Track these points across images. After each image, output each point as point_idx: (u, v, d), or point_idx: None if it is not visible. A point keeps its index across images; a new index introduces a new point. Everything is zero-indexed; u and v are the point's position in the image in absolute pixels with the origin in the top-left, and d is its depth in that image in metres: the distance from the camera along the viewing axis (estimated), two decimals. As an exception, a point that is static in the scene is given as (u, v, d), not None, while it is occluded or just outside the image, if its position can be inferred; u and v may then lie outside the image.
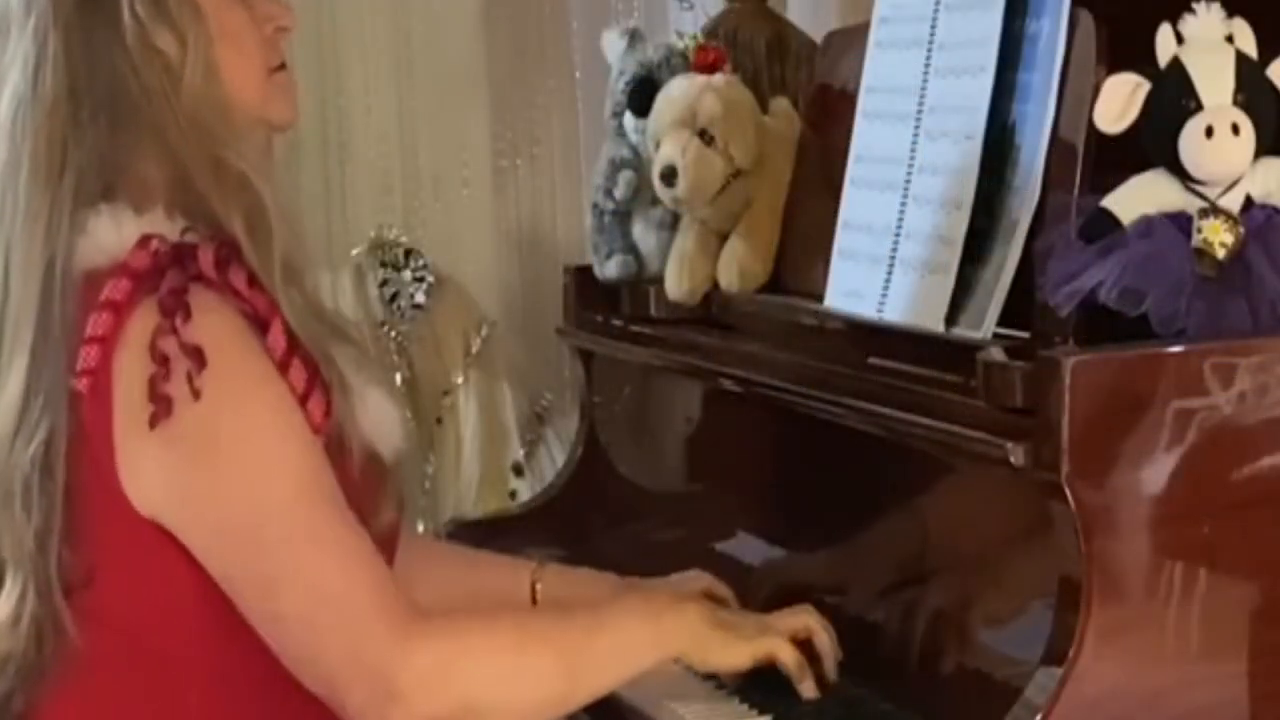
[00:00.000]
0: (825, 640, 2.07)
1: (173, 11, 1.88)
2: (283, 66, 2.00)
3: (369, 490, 1.92)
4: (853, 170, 2.32)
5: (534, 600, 2.22)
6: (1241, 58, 1.92)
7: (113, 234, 1.87)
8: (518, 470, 3.53)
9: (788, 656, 2.04)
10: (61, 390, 1.84)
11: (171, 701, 1.90)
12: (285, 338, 1.85)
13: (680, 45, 2.68)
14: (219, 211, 1.87)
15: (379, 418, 1.94)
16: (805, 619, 2.07)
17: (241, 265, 1.86)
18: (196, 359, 1.80)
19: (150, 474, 1.83)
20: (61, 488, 1.85)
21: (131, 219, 1.88)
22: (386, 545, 1.94)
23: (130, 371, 1.82)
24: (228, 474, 1.82)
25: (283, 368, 1.85)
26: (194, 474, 1.82)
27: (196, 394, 1.80)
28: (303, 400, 1.86)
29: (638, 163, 2.66)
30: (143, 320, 1.83)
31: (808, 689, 2.04)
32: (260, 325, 1.85)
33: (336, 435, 1.88)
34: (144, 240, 1.86)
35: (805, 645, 2.06)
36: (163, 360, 1.81)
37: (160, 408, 1.80)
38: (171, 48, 1.88)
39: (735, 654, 2.03)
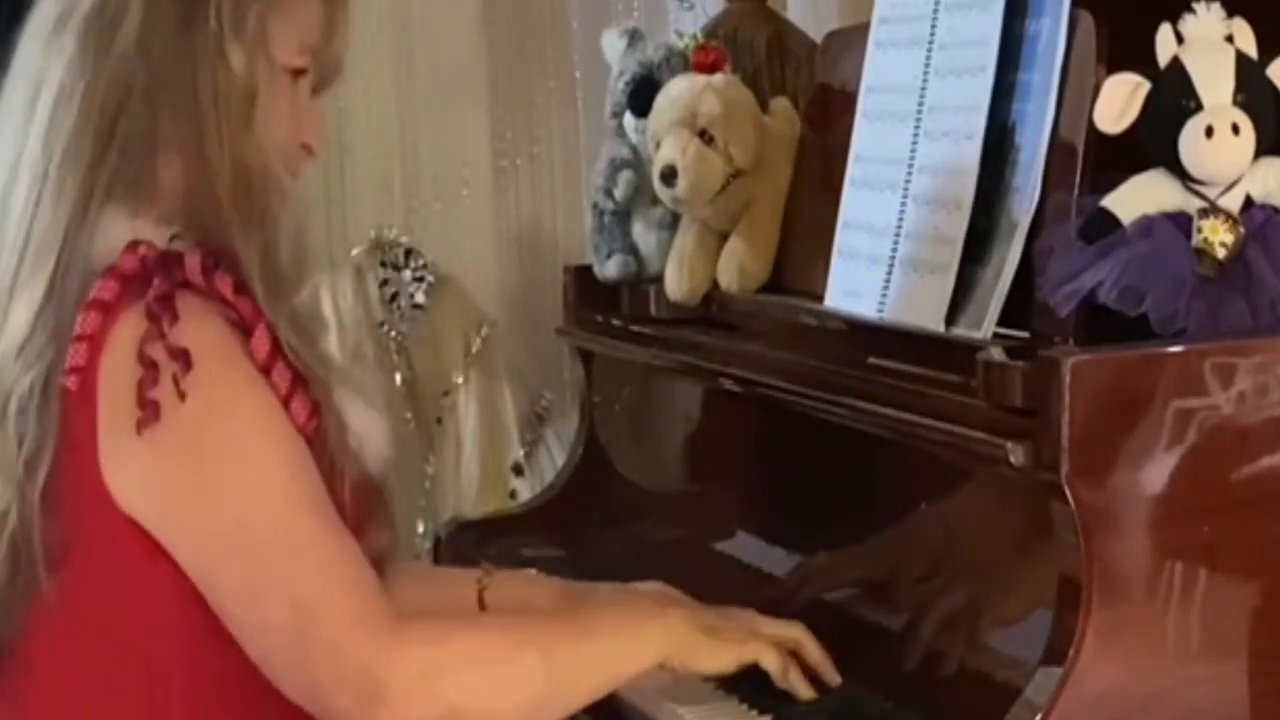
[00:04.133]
0: (815, 652, 2.06)
1: (249, 30, 1.91)
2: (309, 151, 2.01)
3: (360, 512, 1.92)
4: (853, 170, 2.32)
5: (482, 609, 2.20)
6: (1241, 58, 1.92)
7: (105, 238, 1.88)
8: (518, 470, 3.53)
9: (772, 662, 2.04)
10: (65, 333, 1.84)
11: (154, 705, 1.89)
12: (269, 343, 1.86)
13: (680, 45, 2.68)
14: (228, 219, 1.89)
15: (363, 430, 1.94)
16: (794, 630, 2.07)
17: (227, 272, 1.87)
18: (183, 361, 1.81)
19: (134, 476, 1.83)
20: (57, 423, 1.85)
21: (123, 223, 1.89)
22: (376, 562, 1.93)
23: (118, 375, 1.83)
24: (213, 476, 1.83)
25: (266, 370, 1.86)
26: (179, 477, 1.83)
27: (182, 395, 1.80)
28: (285, 402, 1.86)
29: (638, 163, 2.66)
30: (130, 325, 1.83)
31: (803, 690, 2.04)
32: (244, 331, 1.86)
33: (325, 456, 1.89)
34: (132, 245, 1.87)
35: (795, 657, 2.06)
36: (150, 365, 1.81)
37: (148, 412, 1.81)
38: (236, 59, 1.90)
39: (720, 658, 2.03)
